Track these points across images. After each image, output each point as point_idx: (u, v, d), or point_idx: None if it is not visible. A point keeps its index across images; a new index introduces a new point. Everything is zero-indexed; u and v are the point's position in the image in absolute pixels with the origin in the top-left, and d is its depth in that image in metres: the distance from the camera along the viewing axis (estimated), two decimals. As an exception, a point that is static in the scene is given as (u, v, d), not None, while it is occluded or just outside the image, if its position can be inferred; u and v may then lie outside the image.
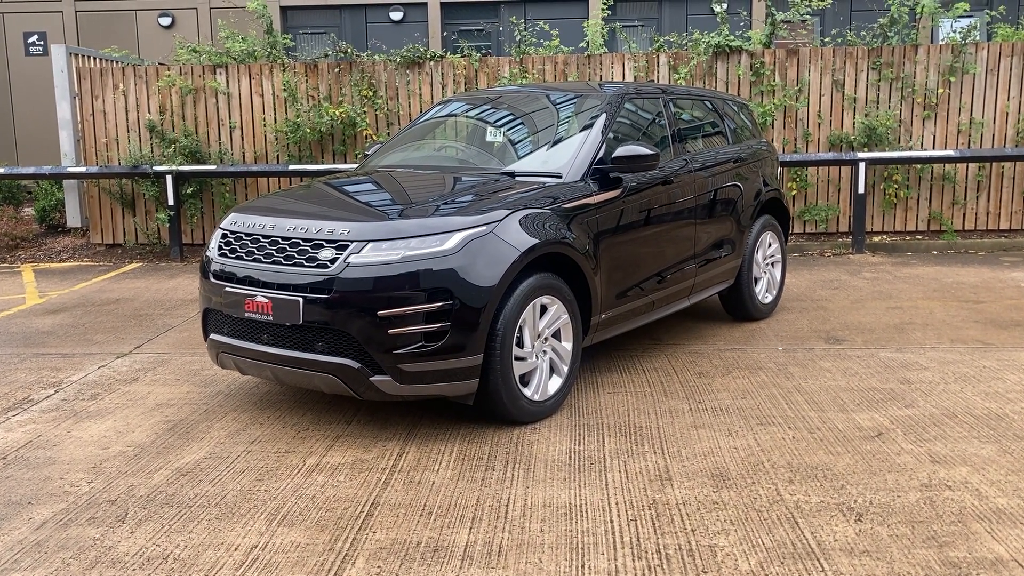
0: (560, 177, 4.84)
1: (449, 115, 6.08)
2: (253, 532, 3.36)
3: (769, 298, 6.72)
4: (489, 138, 5.63)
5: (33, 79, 17.93)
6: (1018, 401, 4.68)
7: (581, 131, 5.18)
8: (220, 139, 10.43)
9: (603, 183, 4.97)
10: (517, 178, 4.88)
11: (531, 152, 5.32)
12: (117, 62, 11.10)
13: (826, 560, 3.05)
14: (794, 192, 10.04)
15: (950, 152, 9.58)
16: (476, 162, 5.48)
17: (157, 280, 8.97)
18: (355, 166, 7.17)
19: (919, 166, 9.89)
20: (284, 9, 18.21)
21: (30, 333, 6.74)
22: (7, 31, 18.25)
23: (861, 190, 9.50)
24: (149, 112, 10.46)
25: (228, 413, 4.76)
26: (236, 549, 3.22)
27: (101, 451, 4.24)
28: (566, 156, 4.99)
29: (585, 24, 10.30)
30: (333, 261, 4.10)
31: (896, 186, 9.94)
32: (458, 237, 4.14)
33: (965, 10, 9.77)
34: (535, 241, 4.34)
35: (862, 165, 9.45)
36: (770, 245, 6.72)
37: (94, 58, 10.95)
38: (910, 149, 9.83)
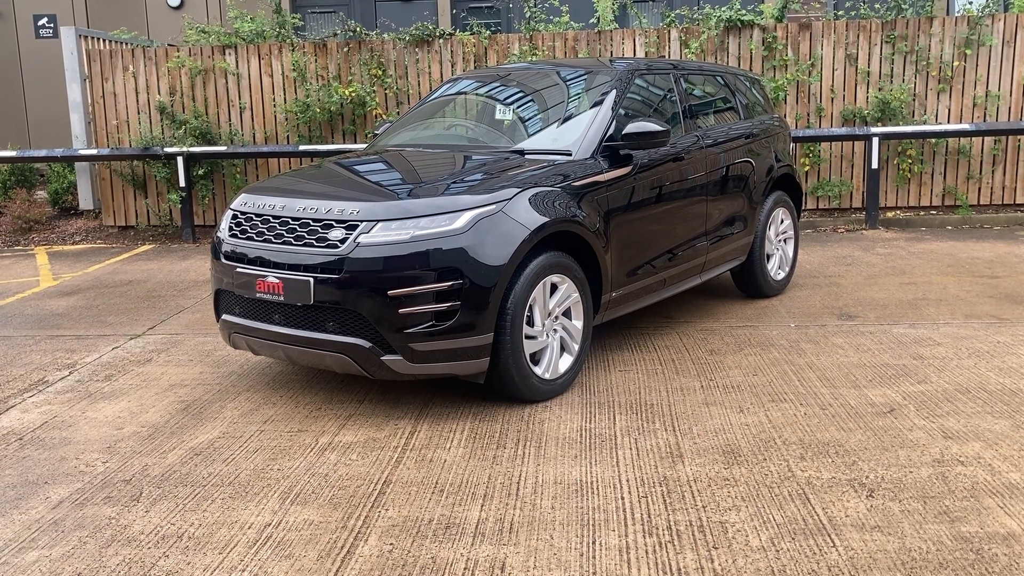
0: (570, 155, 4.82)
1: (458, 93, 6.06)
2: (266, 510, 3.38)
3: (781, 275, 6.69)
4: (498, 116, 5.61)
5: (44, 62, 17.94)
6: (1032, 376, 4.66)
7: (591, 108, 5.15)
8: (230, 120, 10.42)
9: (613, 160, 4.94)
10: (527, 156, 4.86)
11: (541, 130, 5.29)
12: (127, 44, 11.09)
13: (837, 536, 3.05)
14: (807, 168, 9.96)
15: (965, 126, 9.47)
16: (486, 140, 5.46)
17: (170, 261, 9.00)
18: (364, 146, 7.15)
19: (933, 140, 9.78)
20: (293, -12, 18.12)
21: (44, 315, 6.79)
22: (17, 13, 18.24)
23: (875, 165, 9.42)
24: (159, 94, 10.46)
25: (241, 393, 4.79)
26: (250, 527, 3.25)
27: (115, 431, 4.28)
28: (576, 133, 4.97)
29: (595, 0, 10.20)
30: (343, 241, 4.11)
31: (910, 161, 9.85)
32: (468, 216, 4.13)
33: None
34: (545, 219, 4.33)
35: (875, 140, 9.36)
36: (782, 221, 6.68)
37: (104, 40, 10.94)
38: (924, 123, 9.72)
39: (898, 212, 10.01)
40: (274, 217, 4.38)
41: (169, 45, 11.27)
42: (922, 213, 9.95)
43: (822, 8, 11.12)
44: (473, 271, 4.08)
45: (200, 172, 10.23)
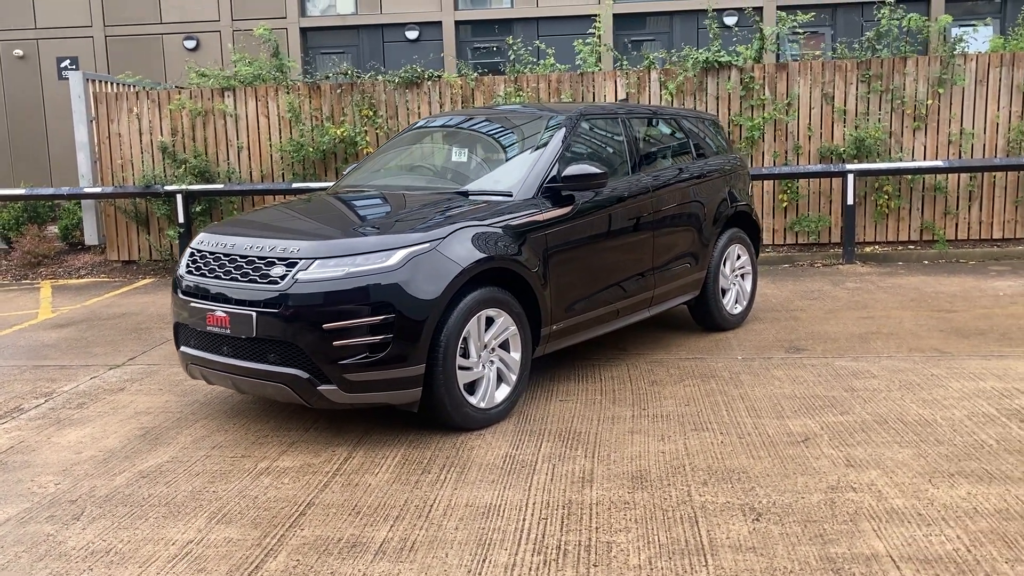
0: (511, 195, 5.09)
1: (419, 137, 6.37)
2: (192, 529, 3.64)
3: (739, 309, 6.90)
4: (452, 158, 5.91)
5: (66, 102, 18.59)
6: (952, 408, 4.82)
7: (535, 151, 5.43)
8: (228, 159, 10.85)
9: (556, 201, 5.21)
10: (470, 197, 5.14)
11: (487, 172, 5.59)
12: (131, 86, 11.59)
13: (712, 556, 3.25)
14: (785, 204, 10.18)
15: (939, 163, 9.67)
16: (435, 182, 5.76)
17: (164, 295, 9.35)
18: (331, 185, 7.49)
19: (910, 177, 9.97)
20: (304, 31, 18.74)
21: (35, 346, 7.14)
22: (41, 56, 18.99)
23: (850, 201, 9.62)
24: (161, 134, 10.92)
25: (199, 421, 5.07)
26: (173, 544, 3.51)
27: (74, 455, 4.57)
28: (518, 175, 5.24)
29: (576, 43, 10.54)
30: (283, 277, 4.39)
31: (887, 197, 10.03)
32: (401, 254, 4.41)
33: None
34: (478, 256, 4.59)
35: (851, 176, 9.57)
36: (739, 257, 6.89)
37: (110, 83, 11.45)
38: (900, 160, 9.92)
39: (876, 247, 10.18)
40: (224, 255, 4.69)
41: (177, 87, 11.77)
42: (900, 248, 10.11)
43: (816, 46, 11.37)
44: (405, 305, 4.35)
45: (198, 209, 10.64)
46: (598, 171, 5.16)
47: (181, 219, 10.43)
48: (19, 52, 19.02)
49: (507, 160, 5.56)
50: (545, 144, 5.44)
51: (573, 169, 5.17)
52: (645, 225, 5.84)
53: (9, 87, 19.10)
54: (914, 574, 3.08)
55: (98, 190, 10.76)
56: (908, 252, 9.94)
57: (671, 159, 6.48)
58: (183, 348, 4.93)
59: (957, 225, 10.14)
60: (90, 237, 11.49)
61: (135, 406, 5.40)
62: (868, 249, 10.14)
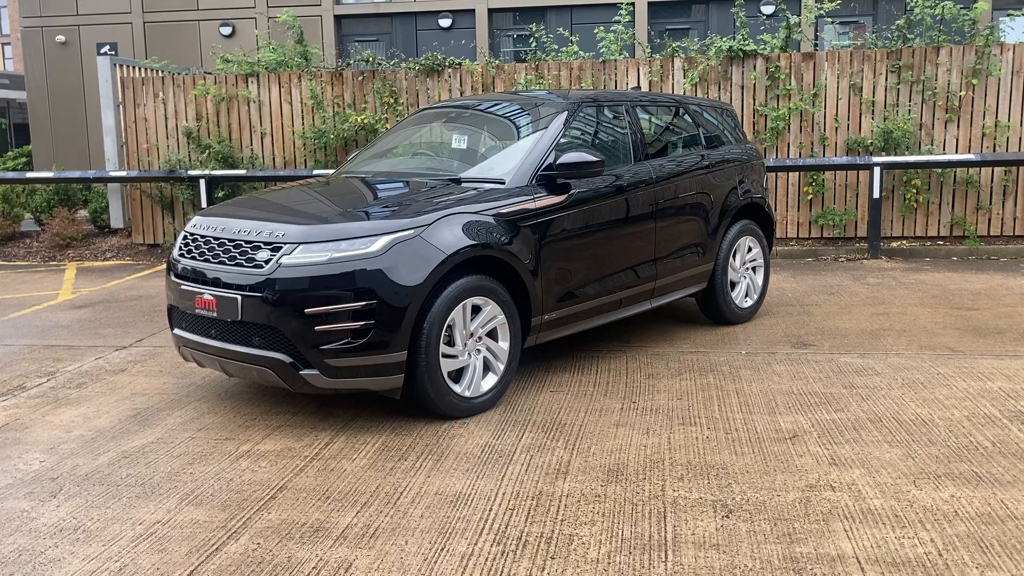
0: (503, 183, 5.04)
1: (421, 124, 6.33)
2: (162, 509, 3.66)
3: (748, 303, 6.76)
4: (452, 145, 5.86)
5: (105, 87, 18.96)
6: (952, 408, 4.67)
7: (531, 139, 5.37)
8: (251, 145, 10.93)
9: (550, 189, 5.14)
10: (462, 184, 5.09)
11: (483, 159, 5.53)
12: (158, 72, 11.72)
13: (672, 552, 3.18)
14: (810, 196, 9.97)
15: (970, 156, 9.38)
16: (431, 169, 5.71)
17: (183, 279, 9.45)
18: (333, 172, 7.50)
19: (939, 171, 9.70)
20: (338, 18, 18.82)
21: (49, 326, 7.26)
22: (82, 43, 19.33)
23: (876, 195, 9.39)
24: (186, 119, 11.03)
25: (191, 403, 5.10)
26: (140, 524, 3.53)
27: (64, 434, 4.63)
28: (512, 163, 5.18)
29: (597, 31, 10.42)
30: (267, 262, 4.39)
31: (915, 191, 9.77)
32: (384, 240, 4.38)
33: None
34: (463, 244, 4.55)
35: (877, 169, 9.34)
36: (750, 250, 6.76)
37: (137, 68, 11.59)
38: (930, 153, 9.65)
39: (903, 242, 9.93)
40: (214, 239, 4.70)
41: (207, 73, 11.88)
42: (928, 244, 9.85)
43: (860, 35, 11.08)
44: (387, 292, 4.32)
45: (221, 194, 10.74)
46: (593, 159, 5.08)
47: (204, 204, 10.53)
48: (61, 38, 19.39)
49: (503, 147, 5.51)
50: (542, 131, 5.37)
51: (568, 157, 5.10)
52: (646, 215, 5.74)
53: (52, 72, 19.47)
54: (878, 577, 2.98)
55: (123, 174, 10.92)
56: (936, 248, 9.67)
57: (679, 148, 6.36)
58: (176, 330, 4.97)
59: (990, 220, 9.85)
60: (116, 220, 11.67)
61: (132, 387, 5.45)
62: (895, 244, 9.89)
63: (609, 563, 3.12)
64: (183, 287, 4.76)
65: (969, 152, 9.70)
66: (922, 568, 3.03)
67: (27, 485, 3.95)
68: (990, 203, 9.80)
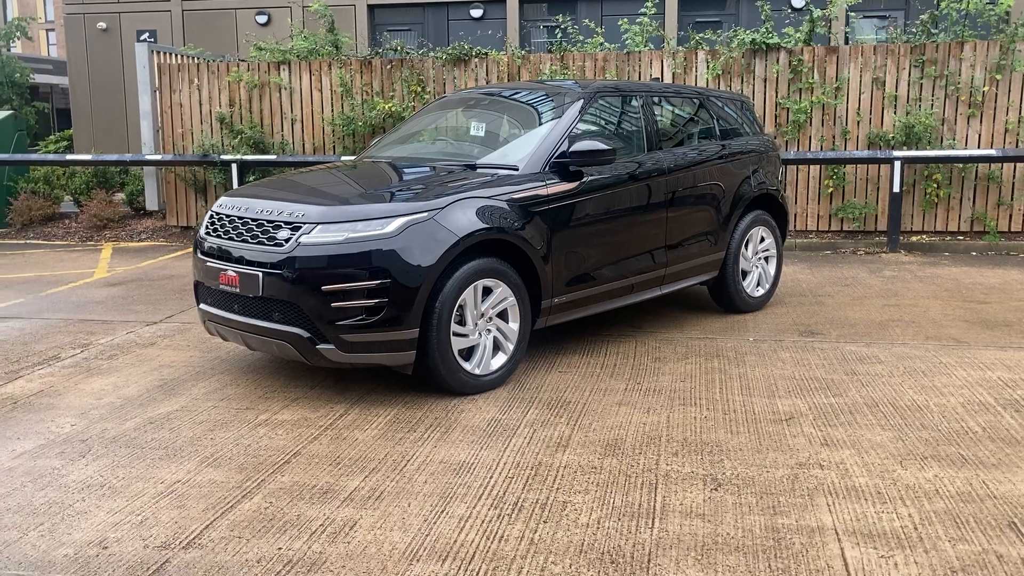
0: (516, 169, 5.21)
1: (443, 111, 6.52)
2: (183, 470, 3.90)
3: (760, 292, 6.88)
4: (469, 132, 6.05)
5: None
6: (948, 395, 4.78)
7: (546, 127, 5.53)
8: (282, 130, 11.19)
9: (563, 176, 5.30)
10: (478, 169, 5.28)
11: (499, 146, 5.71)
12: (194, 58, 12.02)
13: (659, 519, 3.35)
14: (831, 189, 10.03)
15: (991, 151, 9.39)
16: (450, 154, 5.90)
17: (213, 260, 9.75)
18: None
19: (961, 166, 9.71)
20: (371, 8, 19.03)
21: (85, 302, 7.56)
22: (123, 30, 19.75)
23: (897, 189, 9.43)
24: (220, 105, 11.32)
25: (216, 375, 5.35)
26: (162, 482, 3.77)
27: (95, 401, 4.89)
28: (526, 150, 5.36)
29: (621, 22, 10.53)
30: (287, 240, 4.61)
31: (936, 185, 9.80)
32: (399, 222, 4.58)
33: None
34: (475, 227, 4.73)
35: (898, 164, 9.38)
36: (762, 240, 6.87)
37: (173, 54, 11.90)
38: (951, 148, 9.66)
39: (923, 236, 9.96)
40: (238, 218, 4.93)
41: (240, 60, 12.16)
42: (948, 238, 9.87)
43: (892, 29, 11.08)
44: (400, 272, 4.52)
45: (252, 178, 11.01)
46: (605, 147, 5.23)
47: (236, 187, 10.81)
48: (102, 25, 19.81)
49: (519, 134, 5.68)
50: (556, 120, 5.54)
51: (581, 145, 5.26)
52: (658, 203, 5.89)
53: (93, 59, 19.91)
54: (853, 547, 3.13)
55: (158, 157, 11.23)
56: (956, 243, 9.70)
57: (694, 139, 6.49)
58: (202, 305, 5.21)
59: (1011, 216, 9.85)
60: (151, 203, 12.01)
61: (161, 359, 5.71)
62: (915, 238, 9.93)
63: (598, 528, 3.30)
64: (208, 264, 4.99)
65: (991, 147, 9.70)
66: (896, 540, 3.17)
67: (59, 446, 4.21)
68: (1011, 199, 9.79)
